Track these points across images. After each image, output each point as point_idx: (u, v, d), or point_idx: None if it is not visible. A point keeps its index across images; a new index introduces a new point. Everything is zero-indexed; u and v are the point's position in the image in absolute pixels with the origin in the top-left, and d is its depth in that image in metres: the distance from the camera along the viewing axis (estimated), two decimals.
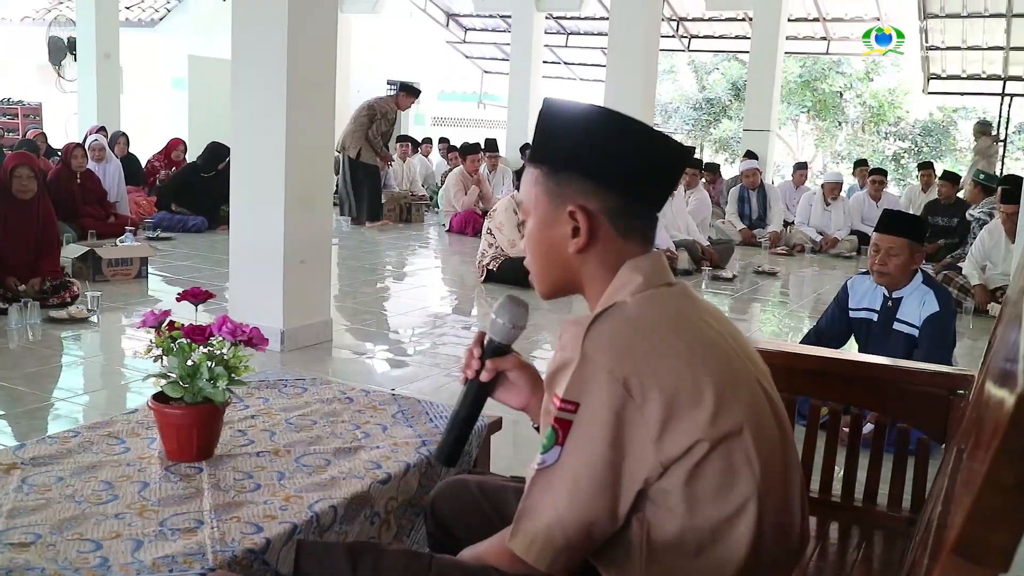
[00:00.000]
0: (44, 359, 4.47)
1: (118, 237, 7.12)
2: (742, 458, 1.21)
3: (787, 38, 13.42)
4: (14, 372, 4.18)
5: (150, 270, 6.62)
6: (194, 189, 9.19)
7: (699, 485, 1.20)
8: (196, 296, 1.86)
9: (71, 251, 6.41)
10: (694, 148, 20.34)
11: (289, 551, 1.54)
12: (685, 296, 1.31)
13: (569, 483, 1.19)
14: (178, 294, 1.91)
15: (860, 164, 12.34)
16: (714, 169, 12.53)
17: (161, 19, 15.29)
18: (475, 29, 19.31)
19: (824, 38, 15.90)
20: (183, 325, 1.80)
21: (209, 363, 1.79)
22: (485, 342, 1.48)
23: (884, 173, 10.80)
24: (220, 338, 1.80)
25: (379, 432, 2.06)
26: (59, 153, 9.14)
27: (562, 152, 1.30)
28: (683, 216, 8.56)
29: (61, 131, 13.36)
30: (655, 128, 1.39)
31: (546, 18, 15.46)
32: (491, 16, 17.80)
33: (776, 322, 6.54)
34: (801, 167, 11.86)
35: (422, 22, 18.72)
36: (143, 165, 10.69)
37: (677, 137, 24.31)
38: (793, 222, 10.43)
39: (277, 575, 1.54)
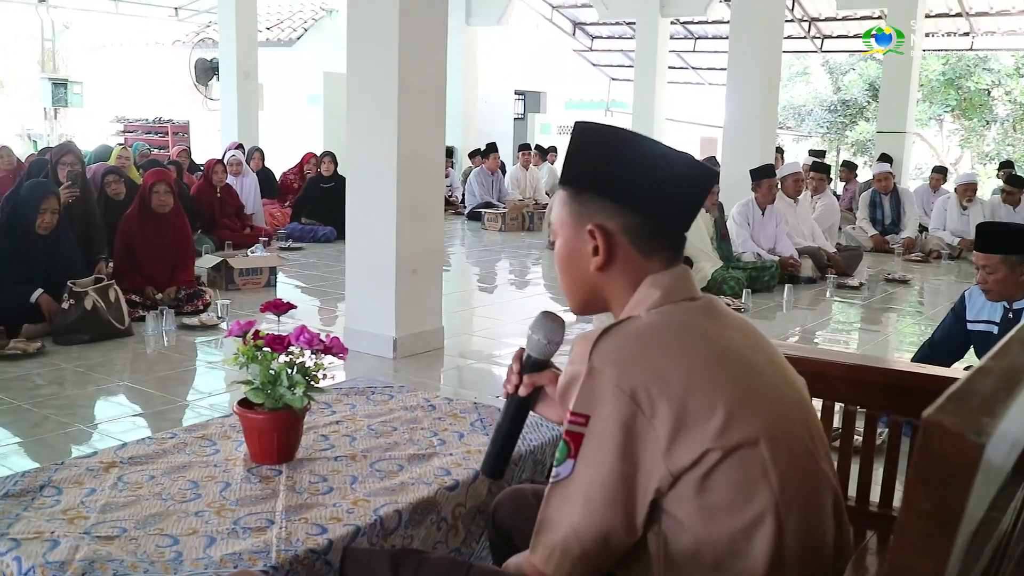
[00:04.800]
0: (176, 363, 4.75)
1: (251, 248, 7.49)
2: (758, 469, 1.20)
3: (926, 35, 12.82)
4: (148, 375, 4.48)
5: (279, 279, 6.93)
6: (317, 201, 9.57)
7: (712, 496, 1.20)
8: (278, 308, 1.97)
9: (206, 261, 6.79)
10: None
11: None
12: (706, 309, 1.32)
13: (582, 495, 1.21)
14: (262, 305, 2.02)
15: (1005, 165, 11.68)
16: (851, 167, 12.12)
17: (298, 38, 15.97)
18: (601, 37, 19.32)
19: (967, 34, 15.12)
20: (266, 335, 1.91)
21: (289, 371, 1.89)
22: (523, 357, 1.51)
23: (1020, 182, 9.79)
24: (299, 347, 1.89)
25: (455, 439, 2.11)
26: (201, 169, 9.68)
27: (583, 173, 1.36)
28: (808, 223, 8.31)
29: (206, 148, 14.11)
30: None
31: (672, 23, 15.29)
32: (617, 23, 17.76)
33: (916, 333, 6.20)
34: (939, 171, 11.33)
35: (548, 32, 18.84)
36: (278, 179, 11.19)
37: (811, 141, 23.25)
38: (929, 227, 9.97)
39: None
